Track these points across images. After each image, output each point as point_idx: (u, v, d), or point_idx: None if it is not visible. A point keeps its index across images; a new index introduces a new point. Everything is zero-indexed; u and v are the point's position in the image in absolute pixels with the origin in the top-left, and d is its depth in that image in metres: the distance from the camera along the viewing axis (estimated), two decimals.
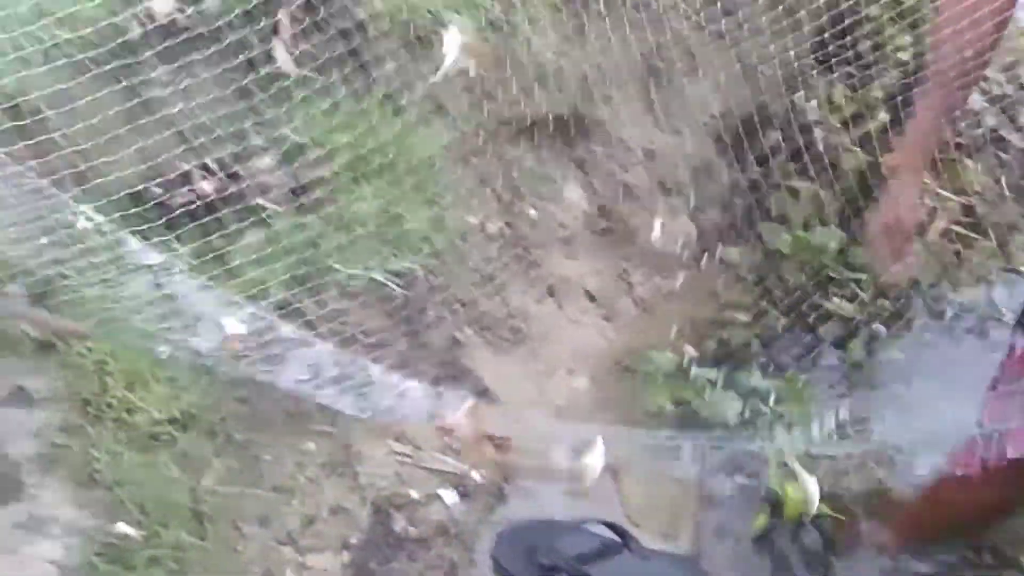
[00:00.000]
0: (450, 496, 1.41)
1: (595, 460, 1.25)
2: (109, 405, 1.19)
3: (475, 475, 1.42)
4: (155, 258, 1.06)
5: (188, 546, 1.12)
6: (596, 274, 1.87)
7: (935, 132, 1.31)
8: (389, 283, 1.48)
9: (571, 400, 1.66)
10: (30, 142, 1.31)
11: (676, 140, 2.00)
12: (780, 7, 1.90)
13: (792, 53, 1.94)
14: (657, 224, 1.93)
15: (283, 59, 1.54)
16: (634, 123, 1.95)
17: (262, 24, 1.51)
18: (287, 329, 1.08)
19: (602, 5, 1.84)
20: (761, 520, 1.52)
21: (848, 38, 2.03)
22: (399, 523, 1.36)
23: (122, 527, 1.09)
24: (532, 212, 1.83)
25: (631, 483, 1.44)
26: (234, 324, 1.12)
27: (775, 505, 1.50)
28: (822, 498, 1.48)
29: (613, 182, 1.94)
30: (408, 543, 1.35)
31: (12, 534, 1.10)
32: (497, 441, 1.34)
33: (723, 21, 1.95)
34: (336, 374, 1.12)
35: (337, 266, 1.44)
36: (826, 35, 2.00)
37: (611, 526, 1.29)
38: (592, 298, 1.85)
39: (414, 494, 1.39)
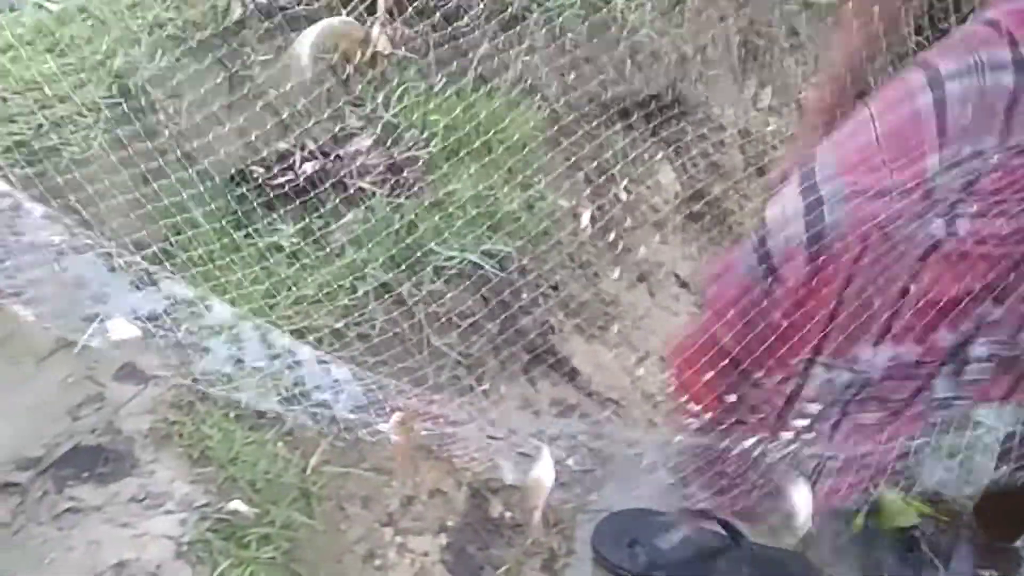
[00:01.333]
0: None
1: (544, 473, 1.12)
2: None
3: (570, 462, 1.40)
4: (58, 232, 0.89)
5: (298, 525, 1.13)
6: (688, 259, 1.82)
7: (853, 72, 1.11)
8: (485, 265, 1.47)
9: (664, 390, 1.62)
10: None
11: (773, 120, 1.93)
12: None
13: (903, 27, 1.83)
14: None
15: (380, 40, 1.53)
16: (729, 102, 1.88)
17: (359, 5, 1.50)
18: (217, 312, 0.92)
19: None
20: (860, 520, 1.47)
21: (961, 11, 1.92)
22: (496, 508, 1.35)
23: (235, 504, 1.10)
24: (623, 195, 1.78)
25: None
26: (123, 326, 0.92)
27: (874, 506, 1.45)
28: (925, 500, 1.42)
29: (706, 163, 1.89)
30: (505, 528, 1.34)
31: (128, 508, 1.13)
32: (433, 453, 1.25)
33: None
34: (262, 364, 0.97)
35: (435, 247, 1.43)
36: (936, 5, 1.88)
37: (717, 519, 1.26)
38: (684, 284, 1.80)
39: (509, 478, 1.38)
